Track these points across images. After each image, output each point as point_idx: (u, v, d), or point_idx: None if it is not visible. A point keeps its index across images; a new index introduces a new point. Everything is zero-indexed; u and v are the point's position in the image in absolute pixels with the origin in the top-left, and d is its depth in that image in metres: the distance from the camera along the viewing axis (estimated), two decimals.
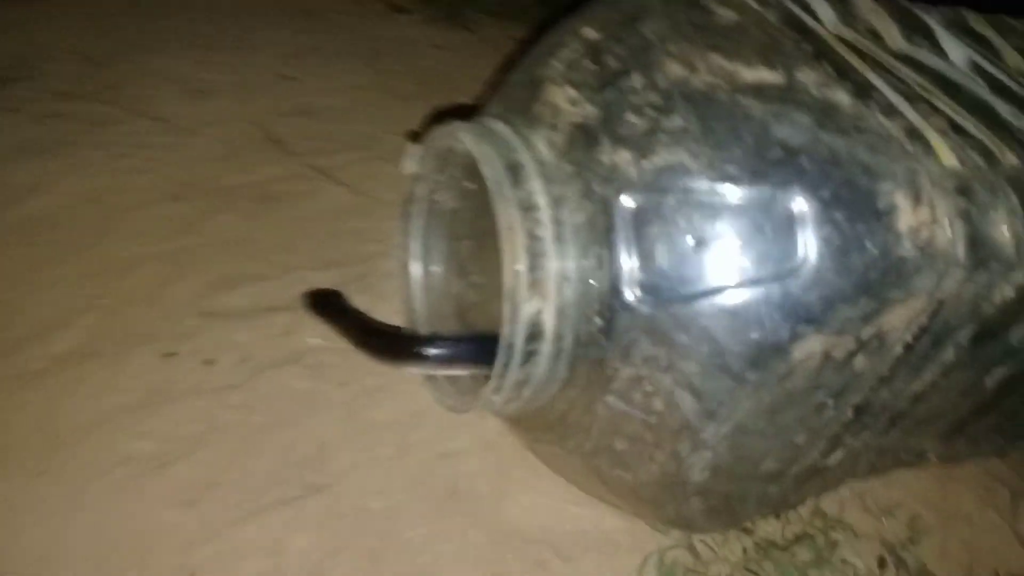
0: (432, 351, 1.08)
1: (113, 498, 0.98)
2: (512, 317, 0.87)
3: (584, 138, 0.89)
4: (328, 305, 1.26)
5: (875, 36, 1.01)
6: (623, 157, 0.85)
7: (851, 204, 0.78)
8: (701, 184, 0.81)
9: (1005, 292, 0.85)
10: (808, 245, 0.78)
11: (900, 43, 1.02)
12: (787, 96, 0.83)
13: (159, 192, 1.47)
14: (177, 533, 0.96)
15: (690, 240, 0.81)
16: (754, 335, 0.80)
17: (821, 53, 0.88)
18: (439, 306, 1.19)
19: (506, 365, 0.89)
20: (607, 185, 0.85)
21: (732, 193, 0.80)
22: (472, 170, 0.93)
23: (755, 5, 0.92)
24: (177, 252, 1.36)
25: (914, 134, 0.84)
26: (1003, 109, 0.98)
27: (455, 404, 1.01)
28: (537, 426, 1.03)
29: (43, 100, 1.65)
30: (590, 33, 0.93)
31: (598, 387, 0.89)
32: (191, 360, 1.18)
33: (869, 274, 0.78)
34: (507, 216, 0.87)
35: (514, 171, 0.89)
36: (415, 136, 1.10)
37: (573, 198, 0.88)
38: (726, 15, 0.89)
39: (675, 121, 0.83)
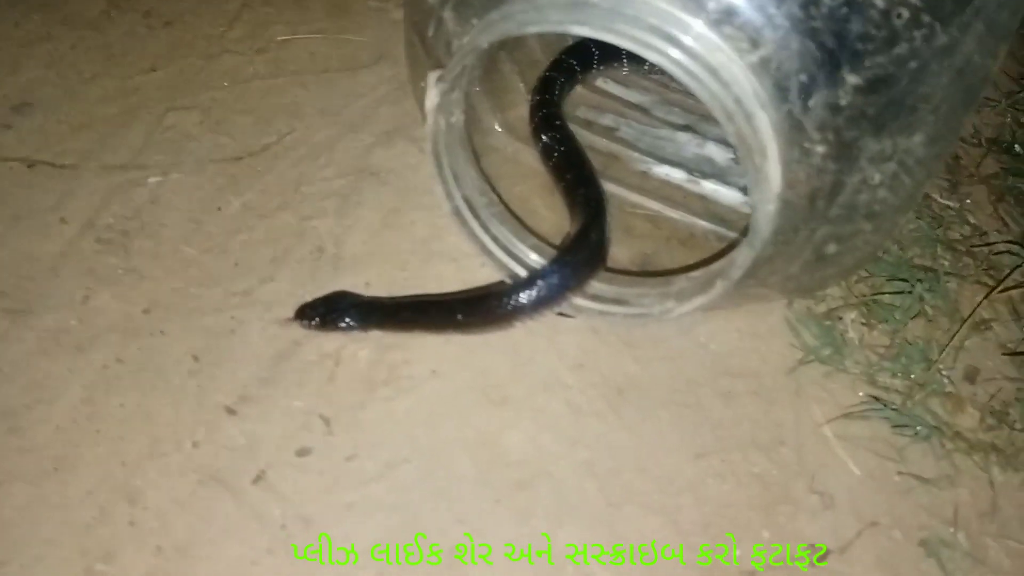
0: (536, 293, 0.93)
1: None
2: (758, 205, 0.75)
3: None
4: (351, 310, 1.00)
5: None
6: None
7: None
8: None
9: None
10: None
11: None
12: None
13: None
14: None
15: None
16: None
17: None
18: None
19: (752, 251, 0.79)
20: None
21: None
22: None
23: None
24: None
25: None
26: None
27: (663, 312, 0.89)
28: None
29: None
30: None
31: (817, 214, 0.83)
32: None
33: None
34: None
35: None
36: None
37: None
38: None
39: None
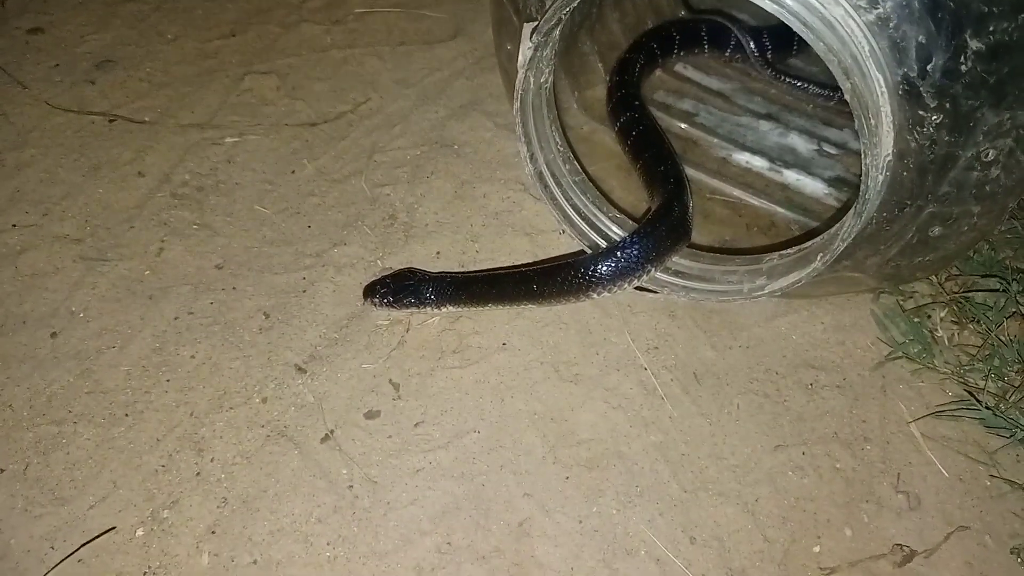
0: (616, 264, 0.89)
1: None
2: (870, 171, 0.71)
3: None
4: (424, 286, 0.97)
5: None
6: None
7: None
8: None
9: None
10: None
11: None
12: None
13: None
14: None
15: None
16: None
17: None
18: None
19: (858, 221, 0.74)
20: None
21: None
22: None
23: None
24: None
25: None
26: None
27: (753, 289, 0.86)
28: None
29: None
30: None
31: (926, 190, 0.78)
32: None
33: None
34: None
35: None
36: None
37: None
38: None
39: None
